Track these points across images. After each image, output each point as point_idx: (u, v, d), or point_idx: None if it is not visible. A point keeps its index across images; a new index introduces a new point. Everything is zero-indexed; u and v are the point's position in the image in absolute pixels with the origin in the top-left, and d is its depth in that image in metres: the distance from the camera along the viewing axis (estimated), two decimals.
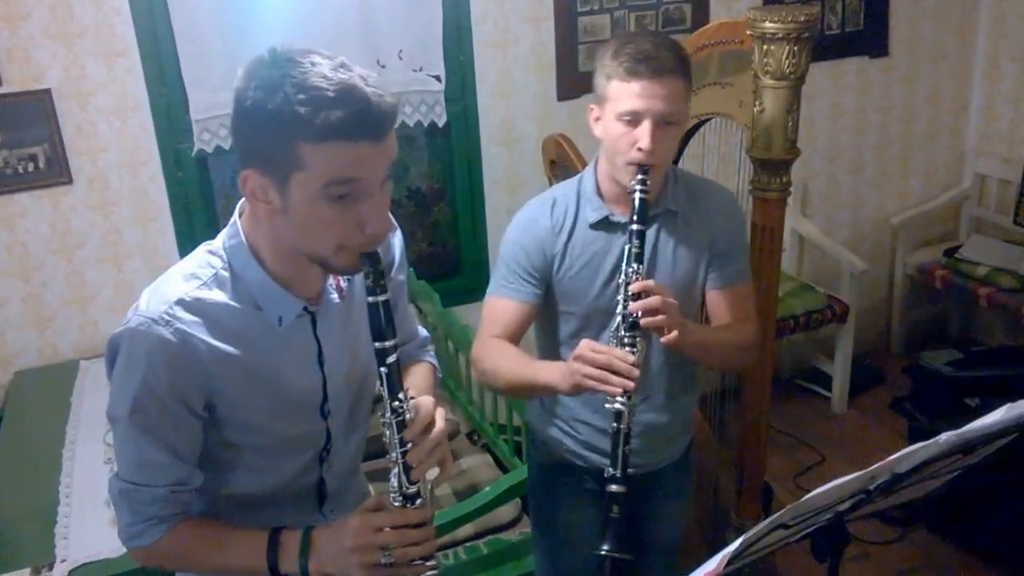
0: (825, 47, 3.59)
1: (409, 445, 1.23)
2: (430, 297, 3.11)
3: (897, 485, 1.33)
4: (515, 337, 1.79)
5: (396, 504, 1.25)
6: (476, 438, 2.95)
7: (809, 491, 1.24)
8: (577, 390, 1.60)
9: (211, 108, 2.91)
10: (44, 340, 3.00)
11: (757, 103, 2.13)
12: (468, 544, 2.36)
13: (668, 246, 1.77)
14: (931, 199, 4.17)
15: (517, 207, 1.87)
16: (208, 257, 1.26)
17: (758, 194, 2.23)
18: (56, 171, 2.86)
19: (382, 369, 1.21)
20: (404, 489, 1.24)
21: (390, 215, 1.28)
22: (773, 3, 3.43)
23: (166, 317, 1.19)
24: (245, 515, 1.35)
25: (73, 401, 2.69)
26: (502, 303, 1.79)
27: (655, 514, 1.96)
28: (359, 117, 1.08)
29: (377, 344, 1.20)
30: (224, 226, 1.28)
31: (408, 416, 1.23)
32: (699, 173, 2.04)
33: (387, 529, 1.23)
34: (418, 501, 1.25)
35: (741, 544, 1.17)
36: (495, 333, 1.78)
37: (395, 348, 1.21)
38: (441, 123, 3.21)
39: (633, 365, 1.55)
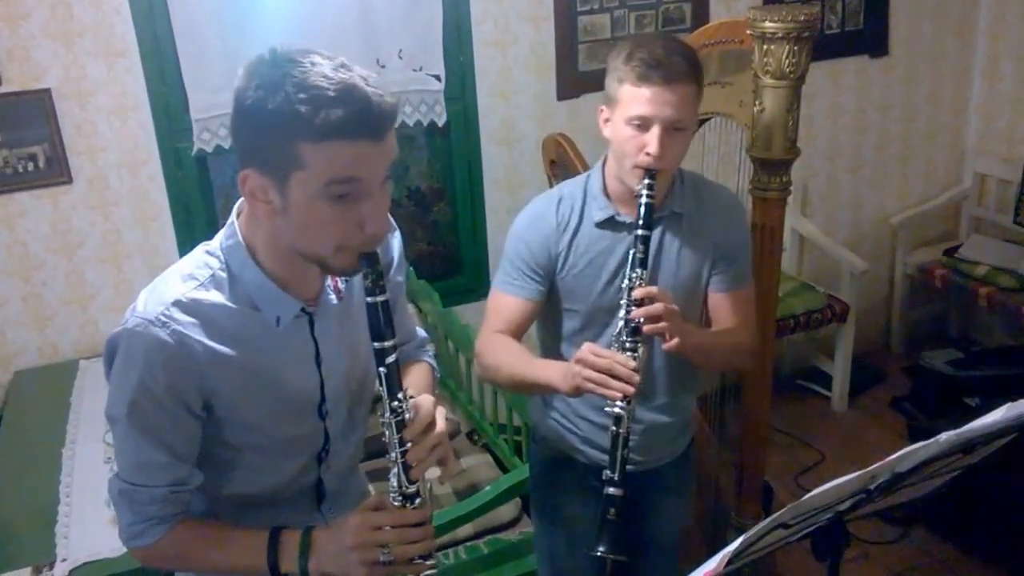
0: (825, 47, 3.59)
1: (408, 445, 1.23)
2: (430, 297, 3.11)
3: (897, 485, 1.33)
4: (518, 333, 1.80)
5: (395, 503, 1.25)
6: (476, 438, 2.95)
7: (809, 491, 1.24)
8: (577, 392, 1.61)
9: (211, 108, 2.91)
10: (44, 339, 3.00)
11: (757, 103, 2.13)
12: (468, 544, 2.36)
13: (672, 247, 1.78)
14: (931, 199, 4.17)
15: (517, 207, 1.87)
16: (206, 258, 1.26)
17: (758, 194, 2.23)
18: (56, 171, 2.86)
19: (381, 369, 1.21)
20: (403, 488, 1.24)
21: (389, 216, 1.28)
22: (773, 3, 3.43)
23: (163, 318, 1.19)
24: (244, 515, 1.35)
25: (73, 400, 2.69)
26: (506, 299, 1.80)
27: (655, 511, 1.97)
28: (359, 117, 1.08)
29: (376, 344, 1.20)
30: (224, 226, 1.28)
31: (407, 416, 1.23)
32: (699, 173, 2.04)
33: (387, 528, 1.23)
34: (417, 500, 1.25)
35: (741, 543, 1.17)
36: (498, 328, 1.79)
37: (394, 348, 1.21)
38: (441, 123, 3.21)
39: (633, 370, 1.57)
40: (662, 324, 1.60)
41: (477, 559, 2.34)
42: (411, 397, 1.26)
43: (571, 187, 1.83)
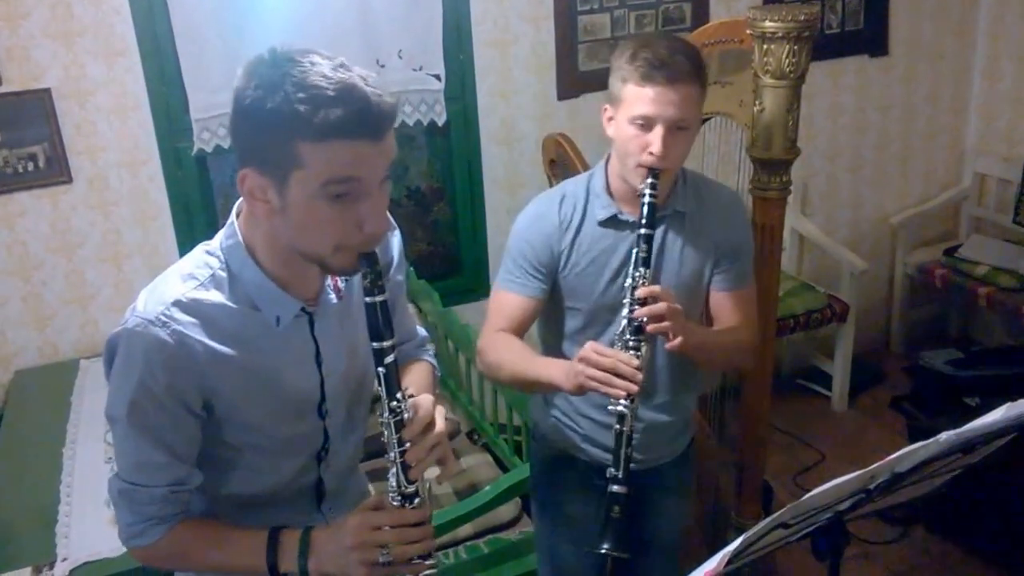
0: (825, 46, 3.59)
1: (407, 444, 1.23)
2: (430, 296, 3.11)
3: (897, 484, 1.33)
4: (520, 331, 1.81)
5: (395, 503, 1.25)
6: (476, 437, 2.95)
7: (809, 490, 1.24)
8: (580, 391, 1.62)
9: (211, 107, 2.91)
10: (44, 339, 3.00)
11: (757, 102, 2.13)
12: (468, 543, 2.37)
13: (675, 246, 1.78)
14: (931, 198, 4.17)
15: (517, 207, 1.87)
16: (205, 257, 1.26)
17: (758, 193, 2.23)
18: (56, 170, 2.86)
19: (380, 369, 1.21)
20: (402, 488, 1.24)
21: (388, 215, 1.28)
22: (773, 2, 3.43)
23: (163, 318, 1.19)
24: (244, 514, 1.35)
25: (73, 400, 2.69)
26: (508, 297, 1.81)
27: (655, 510, 1.97)
28: (358, 116, 1.08)
29: (375, 344, 1.20)
30: (224, 226, 1.28)
31: (406, 416, 1.23)
32: (700, 172, 2.04)
33: (386, 528, 1.23)
34: (416, 500, 1.25)
35: (741, 543, 1.17)
36: (500, 326, 1.79)
37: (393, 348, 1.21)
38: (441, 122, 3.21)
39: (637, 369, 1.57)
40: (665, 323, 1.61)
41: (477, 559, 2.34)
42: (411, 396, 1.26)
43: (574, 185, 1.84)
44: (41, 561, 1.99)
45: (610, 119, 1.74)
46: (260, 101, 1.08)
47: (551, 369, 1.70)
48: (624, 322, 1.66)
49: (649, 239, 1.68)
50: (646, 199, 1.66)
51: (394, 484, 1.24)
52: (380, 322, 1.19)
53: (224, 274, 1.24)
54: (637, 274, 1.67)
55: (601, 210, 1.77)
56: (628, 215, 1.76)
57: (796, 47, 2.04)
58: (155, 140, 2.95)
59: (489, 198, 3.40)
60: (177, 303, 1.21)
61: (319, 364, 1.32)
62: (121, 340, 1.21)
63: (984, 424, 1.33)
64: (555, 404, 1.93)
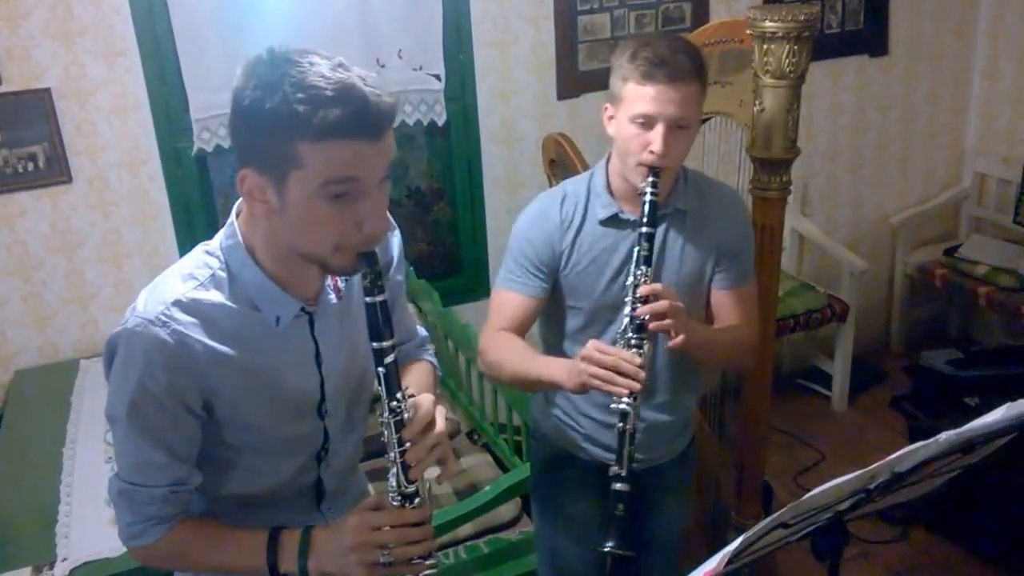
0: (825, 46, 3.59)
1: (407, 445, 1.23)
2: (430, 296, 3.11)
3: (897, 484, 1.33)
4: (522, 330, 1.81)
5: (395, 504, 1.25)
6: (476, 437, 2.95)
7: (809, 490, 1.24)
8: (583, 389, 1.62)
9: (211, 107, 2.91)
10: (44, 339, 3.00)
11: (757, 102, 2.13)
12: (468, 543, 2.36)
13: (676, 245, 1.79)
14: (931, 198, 4.17)
15: (517, 206, 1.88)
16: (205, 258, 1.26)
17: (758, 193, 2.23)
18: (56, 170, 2.86)
19: (380, 369, 1.21)
20: (402, 488, 1.24)
21: (388, 215, 1.28)
22: (773, 2, 3.43)
23: (163, 318, 1.19)
24: (243, 514, 1.35)
25: (73, 400, 2.69)
26: (509, 296, 1.81)
27: (655, 510, 1.97)
28: (357, 116, 1.08)
29: (375, 344, 1.20)
30: (223, 226, 1.28)
31: (406, 416, 1.23)
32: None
33: (385, 528, 1.23)
34: (417, 500, 1.25)
35: (741, 543, 1.17)
36: (502, 326, 1.80)
37: (393, 348, 1.21)
38: (441, 122, 3.21)
39: (639, 367, 1.57)
40: (668, 321, 1.61)
41: (477, 559, 2.34)
42: (411, 396, 1.26)
43: (575, 185, 1.84)
44: (41, 561, 1.99)
45: (611, 118, 1.74)
46: (259, 101, 1.08)
47: (553, 368, 1.70)
48: (626, 320, 1.67)
49: (651, 237, 1.68)
50: (647, 197, 1.67)
51: (394, 484, 1.24)
52: (380, 322, 1.19)
53: (224, 274, 1.24)
54: (639, 272, 1.67)
55: (602, 209, 1.78)
56: (629, 214, 1.76)
57: (796, 47, 2.04)
58: (155, 140, 2.95)
59: (489, 198, 3.40)
60: (177, 303, 1.21)
61: (319, 364, 1.32)
62: (121, 340, 1.21)
63: (984, 424, 1.33)
64: (556, 404, 1.93)
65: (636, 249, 1.69)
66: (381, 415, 1.23)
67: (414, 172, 3.48)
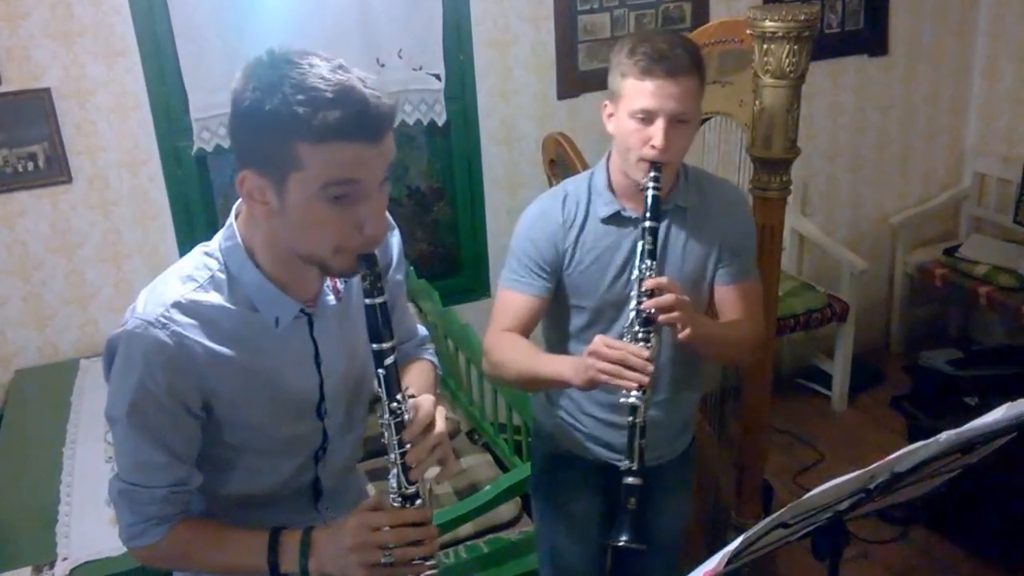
0: (825, 46, 3.59)
1: (408, 446, 1.23)
2: (430, 296, 3.11)
3: (897, 484, 1.33)
4: (526, 330, 1.81)
5: (395, 504, 1.25)
6: (476, 437, 2.95)
7: (809, 490, 1.24)
8: (591, 384, 1.62)
9: (211, 107, 2.91)
10: (44, 339, 3.00)
11: (757, 102, 2.13)
12: (468, 543, 2.36)
13: (678, 242, 1.79)
14: (931, 198, 4.17)
15: (517, 206, 1.88)
16: (204, 259, 1.26)
17: (758, 193, 2.23)
18: (56, 170, 2.86)
19: (379, 371, 1.21)
20: (403, 489, 1.24)
21: (388, 215, 1.28)
22: (773, 2, 3.43)
23: (162, 320, 1.19)
24: (242, 514, 1.35)
25: (73, 400, 2.69)
26: (513, 296, 1.81)
27: (655, 510, 1.97)
28: (357, 118, 1.08)
29: (374, 346, 1.20)
30: (223, 226, 1.28)
31: (407, 416, 1.23)
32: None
33: (386, 529, 1.23)
34: (417, 501, 1.25)
35: (741, 543, 1.17)
36: (506, 326, 1.80)
37: (392, 350, 1.21)
38: (441, 122, 3.21)
39: (647, 360, 1.57)
40: (675, 314, 1.61)
41: (477, 558, 2.34)
42: (411, 396, 1.26)
43: (576, 184, 1.84)
44: (41, 561, 1.99)
45: (610, 115, 1.74)
46: (258, 103, 1.08)
47: (560, 365, 1.70)
48: (632, 314, 1.66)
49: (654, 231, 1.68)
50: (650, 192, 1.66)
51: (395, 485, 1.24)
52: (380, 324, 1.19)
53: (223, 275, 1.24)
54: (644, 266, 1.67)
55: (604, 207, 1.78)
56: (631, 211, 1.76)
57: (796, 47, 2.04)
58: (155, 140, 2.96)
59: (489, 198, 3.40)
60: (176, 304, 1.21)
61: (318, 365, 1.32)
62: (121, 341, 1.21)
63: (984, 424, 1.33)
64: (559, 403, 1.93)
65: (640, 243, 1.69)
66: (381, 416, 1.23)
67: (414, 172, 3.48)
